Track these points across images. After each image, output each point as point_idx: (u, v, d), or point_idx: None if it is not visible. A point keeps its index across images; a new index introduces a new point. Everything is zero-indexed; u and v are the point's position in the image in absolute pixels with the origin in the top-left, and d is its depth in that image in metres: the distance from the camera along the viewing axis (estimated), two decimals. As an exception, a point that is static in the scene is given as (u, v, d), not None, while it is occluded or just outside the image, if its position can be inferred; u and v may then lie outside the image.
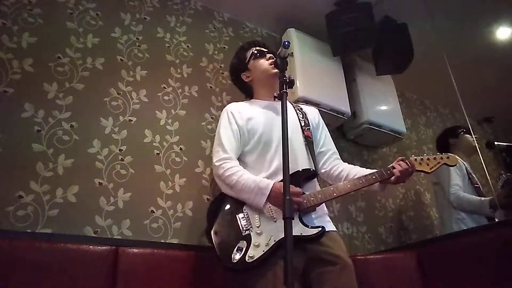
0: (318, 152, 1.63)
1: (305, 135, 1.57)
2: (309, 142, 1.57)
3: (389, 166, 1.42)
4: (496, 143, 2.85)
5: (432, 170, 1.44)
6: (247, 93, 1.80)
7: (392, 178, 1.38)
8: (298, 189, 1.34)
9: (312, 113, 1.73)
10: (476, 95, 2.68)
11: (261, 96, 1.69)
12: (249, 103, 1.68)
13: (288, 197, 0.96)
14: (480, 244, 1.56)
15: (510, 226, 1.61)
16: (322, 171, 1.61)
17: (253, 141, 1.52)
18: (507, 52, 2.84)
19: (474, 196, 2.25)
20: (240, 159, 1.52)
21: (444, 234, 2.34)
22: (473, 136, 2.46)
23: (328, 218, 1.49)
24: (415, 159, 1.45)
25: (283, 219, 0.95)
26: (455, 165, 1.50)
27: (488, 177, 2.27)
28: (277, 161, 1.45)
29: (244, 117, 1.57)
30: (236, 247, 1.29)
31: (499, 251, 1.46)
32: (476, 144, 2.43)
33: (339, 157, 1.66)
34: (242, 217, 1.37)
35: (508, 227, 1.59)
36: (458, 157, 2.32)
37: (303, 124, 1.60)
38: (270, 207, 1.35)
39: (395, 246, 2.48)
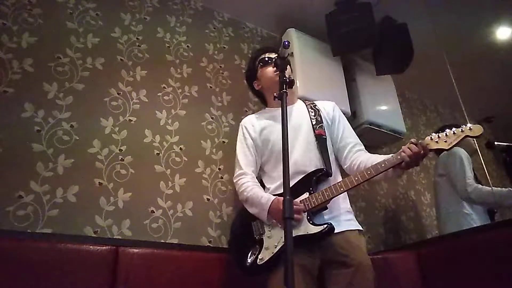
0: (337, 149, 1.59)
1: (316, 134, 1.55)
2: (322, 140, 1.54)
3: (399, 151, 1.32)
4: (496, 143, 2.84)
5: (450, 146, 1.28)
6: (262, 101, 1.85)
7: (403, 163, 1.29)
8: (298, 207, 1.33)
9: (326, 108, 1.68)
10: (476, 95, 2.67)
11: (272, 104, 1.72)
12: (261, 113, 1.73)
13: (288, 197, 0.96)
14: (480, 244, 1.55)
15: (510, 226, 1.61)
16: (345, 166, 1.57)
17: (267, 150, 1.58)
18: (507, 52, 2.84)
19: (493, 187, 2.16)
20: (261, 168, 1.62)
21: (445, 230, 2.31)
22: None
23: (349, 217, 1.45)
24: (431, 138, 1.30)
25: (282, 219, 0.96)
26: (481, 135, 1.27)
27: (488, 177, 2.27)
28: (291, 168, 1.44)
29: (257, 129, 1.63)
30: (250, 251, 1.41)
31: (499, 251, 1.46)
32: (477, 146, 2.41)
33: (362, 148, 1.57)
34: (256, 224, 1.47)
35: (508, 227, 1.59)
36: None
37: (314, 123, 1.59)
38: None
39: (395, 246, 2.48)
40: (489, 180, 2.26)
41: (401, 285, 1.71)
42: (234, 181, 1.59)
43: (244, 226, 1.50)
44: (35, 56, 1.74)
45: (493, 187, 2.17)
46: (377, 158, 1.40)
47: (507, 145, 2.66)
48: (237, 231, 1.58)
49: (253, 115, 1.75)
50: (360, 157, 1.50)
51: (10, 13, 1.76)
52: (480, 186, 2.17)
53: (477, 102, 2.87)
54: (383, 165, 1.31)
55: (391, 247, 2.45)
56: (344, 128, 1.62)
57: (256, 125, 1.65)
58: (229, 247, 1.66)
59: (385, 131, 2.61)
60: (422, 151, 1.28)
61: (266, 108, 1.77)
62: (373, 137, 2.66)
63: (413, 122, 3.36)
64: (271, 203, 1.37)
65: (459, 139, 1.27)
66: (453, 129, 1.28)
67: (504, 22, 2.75)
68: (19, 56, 1.70)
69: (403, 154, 1.29)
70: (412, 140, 1.31)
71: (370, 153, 1.52)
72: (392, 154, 1.34)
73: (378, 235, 2.48)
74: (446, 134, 1.29)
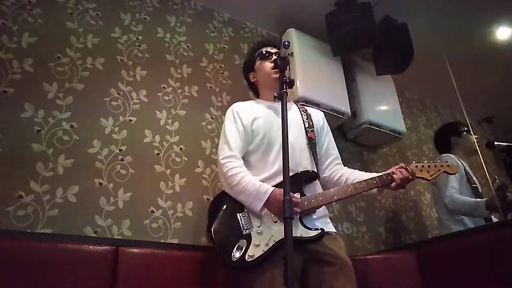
0: (320, 157, 1.62)
1: (309, 136, 1.57)
2: (312, 143, 1.56)
3: (388, 171, 1.43)
4: (496, 143, 2.84)
5: (432, 177, 1.46)
6: (254, 92, 1.83)
7: (392, 184, 1.40)
8: (297, 200, 1.32)
9: (317, 115, 1.72)
10: (476, 95, 2.67)
11: (265, 97, 1.69)
12: (254, 102, 1.69)
13: (288, 197, 0.96)
14: (480, 244, 1.56)
15: (509, 226, 1.61)
16: (323, 175, 1.61)
17: (257, 141, 1.52)
18: (507, 52, 2.84)
19: (469, 198, 2.23)
20: (244, 158, 1.52)
21: (443, 234, 2.33)
22: (474, 137, 2.46)
23: (329, 220, 1.50)
24: (416, 165, 1.46)
25: (282, 218, 0.95)
26: (455, 173, 1.53)
27: (488, 177, 2.27)
28: (279, 162, 1.43)
29: (249, 117, 1.57)
30: (236, 246, 1.31)
31: (498, 251, 1.46)
32: (477, 146, 2.42)
33: (341, 162, 1.66)
34: (243, 216, 1.38)
35: (507, 227, 1.59)
36: (456, 159, 2.35)
37: (307, 126, 1.60)
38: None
39: (395, 246, 2.48)
40: (489, 180, 2.26)
41: (401, 285, 1.71)
42: (222, 162, 1.43)
43: (229, 216, 1.40)
44: (35, 56, 1.73)
45: (464, 197, 2.24)
46: (359, 174, 1.51)
47: (507, 145, 2.66)
48: (220, 221, 1.40)
49: (243, 102, 1.66)
50: (341, 170, 1.59)
51: (10, 13, 1.76)
52: (456, 196, 2.23)
53: (477, 102, 2.87)
54: (374, 181, 1.40)
55: (391, 247, 2.45)
56: (329, 140, 1.68)
57: (248, 113, 1.58)
58: (208, 236, 1.42)
59: (385, 131, 2.61)
60: (410, 176, 1.41)
61: (258, 99, 1.74)
62: (373, 137, 2.66)
63: (413, 122, 3.36)
64: (271, 193, 1.31)
65: (439, 173, 1.47)
66: (433, 162, 1.48)
67: (504, 22, 2.75)
68: (19, 56, 1.70)
69: (395, 176, 1.39)
70: (402, 164, 1.44)
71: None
72: (376, 173, 1.44)
73: (378, 235, 2.48)
74: (429, 166, 1.47)
